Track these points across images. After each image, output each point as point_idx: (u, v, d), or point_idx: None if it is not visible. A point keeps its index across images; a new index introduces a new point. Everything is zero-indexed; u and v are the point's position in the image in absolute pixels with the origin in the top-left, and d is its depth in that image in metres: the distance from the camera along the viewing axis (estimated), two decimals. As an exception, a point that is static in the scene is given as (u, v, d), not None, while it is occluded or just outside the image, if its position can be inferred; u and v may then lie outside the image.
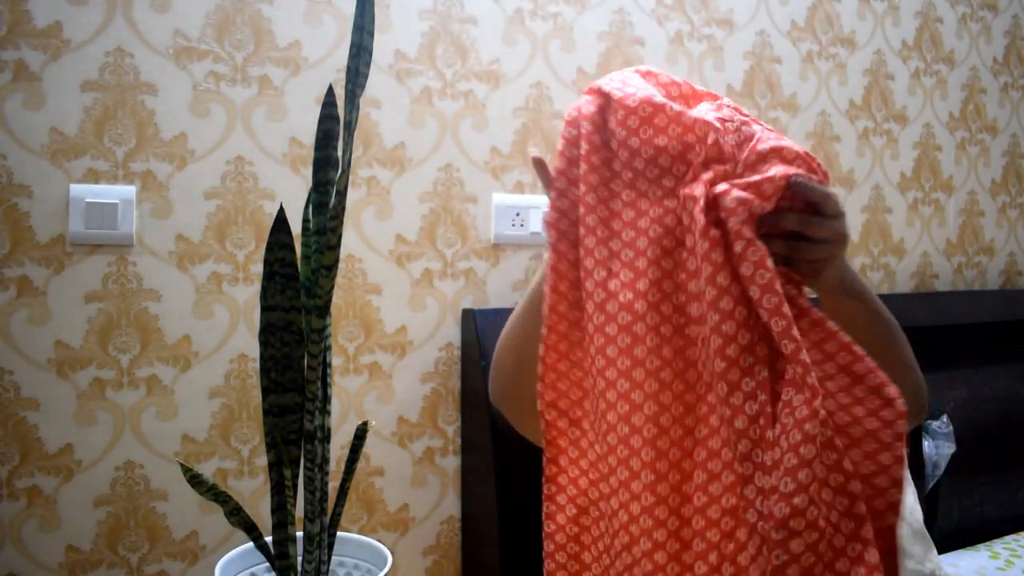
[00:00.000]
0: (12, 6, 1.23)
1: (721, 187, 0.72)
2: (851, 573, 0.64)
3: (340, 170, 1.02)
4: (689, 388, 0.74)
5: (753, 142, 0.75)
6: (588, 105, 0.81)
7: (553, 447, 0.86)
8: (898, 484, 0.66)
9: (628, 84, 0.80)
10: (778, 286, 0.68)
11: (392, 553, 1.31)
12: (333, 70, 1.41)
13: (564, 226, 0.81)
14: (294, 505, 1.08)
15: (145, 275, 1.31)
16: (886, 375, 0.68)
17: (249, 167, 1.37)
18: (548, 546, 0.87)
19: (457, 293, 1.53)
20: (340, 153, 1.03)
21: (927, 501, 1.72)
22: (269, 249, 1.02)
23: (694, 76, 1.74)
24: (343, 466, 1.17)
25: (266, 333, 1.04)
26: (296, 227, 1.21)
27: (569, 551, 0.86)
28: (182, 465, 1.06)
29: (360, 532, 1.45)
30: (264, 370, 1.04)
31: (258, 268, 1.37)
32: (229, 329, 1.37)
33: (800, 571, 0.63)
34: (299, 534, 1.12)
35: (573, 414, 0.84)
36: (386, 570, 1.14)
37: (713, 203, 0.71)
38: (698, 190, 0.72)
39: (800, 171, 0.72)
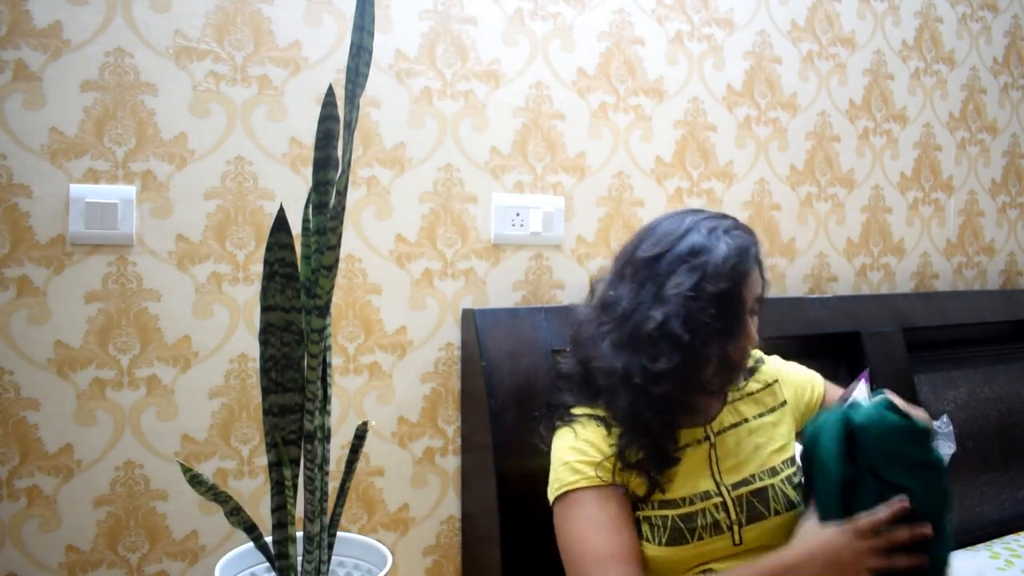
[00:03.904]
0: (12, 6, 1.23)
1: None
2: None
3: (340, 170, 1.02)
4: None
5: None
6: None
7: None
8: None
9: None
10: None
11: (392, 553, 1.31)
12: (333, 70, 1.41)
13: None
14: (294, 505, 1.08)
15: (145, 275, 1.31)
16: None
17: (249, 167, 1.37)
18: None
19: (457, 293, 1.53)
20: (340, 153, 1.03)
21: (927, 501, 1.71)
22: (269, 249, 1.02)
23: (694, 76, 1.74)
24: (343, 466, 1.17)
25: (266, 333, 1.04)
26: (296, 227, 1.21)
27: None
28: (182, 465, 1.06)
29: (360, 532, 1.45)
30: (264, 370, 1.04)
31: (258, 268, 1.37)
32: (229, 329, 1.37)
33: None
34: (299, 534, 1.12)
35: None
36: (386, 570, 1.14)
37: None
38: None
39: None
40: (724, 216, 1.11)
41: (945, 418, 1.73)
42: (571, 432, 1.10)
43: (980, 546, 1.74)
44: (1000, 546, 1.73)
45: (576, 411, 1.12)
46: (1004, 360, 1.97)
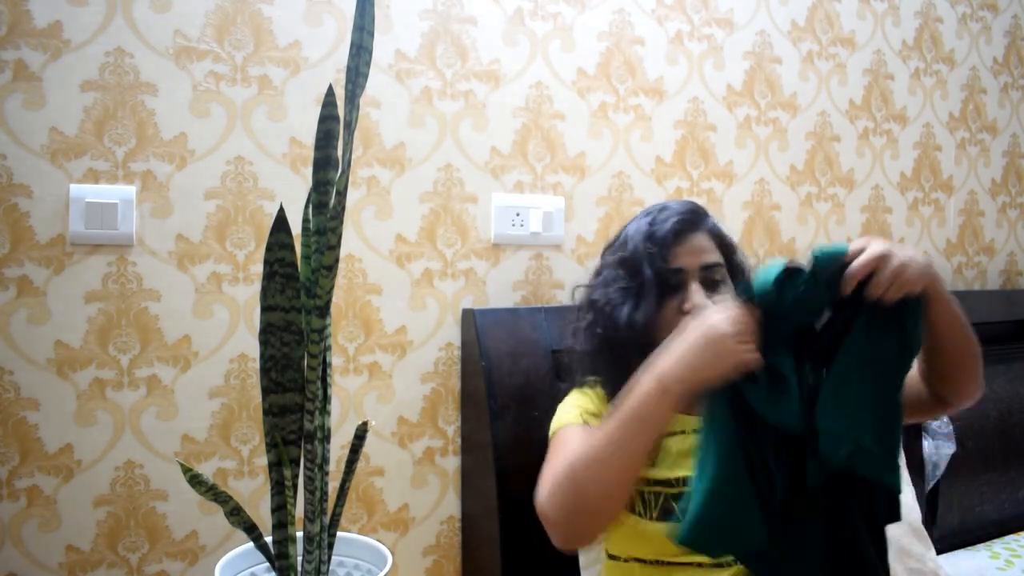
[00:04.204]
0: (12, 6, 1.23)
1: None
2: None
3: (340, 170, 1.02)
4: None
5: None
6: None
7: None
8: None
9: None
10: None
11: (392, 553, 1.31)
12: (333, 70, 1.41)
13: None
14: (294, 505, 1.08)
15: (145, 275, 1.31)
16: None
17: (249, 167, 1.37)
18: None
19: (457, 293, 1.53)
20: (340, 153, 1.03)
21: (927, 501, 1.72)
22: (269, 249, 1.02)
23: (694, 76, 1.74)
24: (343, 466, 1.17)
25: (266, 333, 1.04)
26: (296, 227, 1.21)
27: None
28: (182, 465, 1.06)
29: (360, 532, 1.45)
30: (264, 370, 1.04)
31: (258, 268, 1.37)
32: (229, 329, 1.37)
33: None
34: (299, 534, 1.12)
35: None
36: (386, 570, 1.14)
37: None
38: None
39: None
40: (676, 201, 1.20)
41: (945, 418, 1.73)
42: (578, 391, 1.20)
43: (980, 546, 1.74)
44: (1000, 546, 1.73)
45: (587, 379, 1.22)
46: (1004, 360, 1.97)
